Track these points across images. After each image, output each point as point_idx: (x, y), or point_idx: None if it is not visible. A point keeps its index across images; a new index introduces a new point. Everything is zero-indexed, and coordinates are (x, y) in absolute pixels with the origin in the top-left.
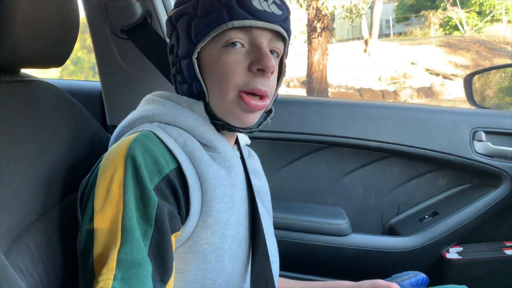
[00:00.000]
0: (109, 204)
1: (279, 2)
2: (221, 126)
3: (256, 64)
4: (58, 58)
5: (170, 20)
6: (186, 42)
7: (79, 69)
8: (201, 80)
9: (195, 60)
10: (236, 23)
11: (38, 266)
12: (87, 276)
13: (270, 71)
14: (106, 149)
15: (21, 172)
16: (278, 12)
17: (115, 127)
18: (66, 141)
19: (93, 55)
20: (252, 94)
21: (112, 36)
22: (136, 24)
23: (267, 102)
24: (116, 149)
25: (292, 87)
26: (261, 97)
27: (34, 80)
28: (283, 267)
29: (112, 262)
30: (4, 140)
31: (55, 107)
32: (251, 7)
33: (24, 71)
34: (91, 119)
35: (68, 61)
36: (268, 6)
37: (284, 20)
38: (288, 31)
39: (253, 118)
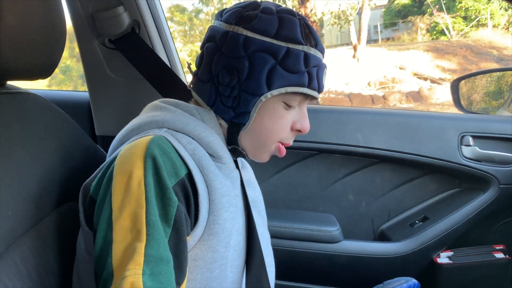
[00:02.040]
0: (129, 201)
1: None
2: (239, 152)
3: (299, 125)
4: (44, 69)
5: (238, 37)
6: (259, 81)
7: (68, 77)
8: (252, 118)
9: (262, 101)
10: (310, 91)
11: (26, 282)
12: (104, 277)
13: (307, 132)
14: (95, 160)
15: (7, 186)
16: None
17: (103, 137)
18: (55, 153)
19: (82, 64)
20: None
21: (100, 46)
22: (124, 34)
23: None
24: (133, 148)
25: None
26: None
27: (21, 92)
28: (275, 275)
29: (139, 257)
30: None
31: (42, 119)
32: (321, 82)
33: (10, 83)
34: (79, 130)
35: (57, 70)
36: (325, 80)
37: None
38: None
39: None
